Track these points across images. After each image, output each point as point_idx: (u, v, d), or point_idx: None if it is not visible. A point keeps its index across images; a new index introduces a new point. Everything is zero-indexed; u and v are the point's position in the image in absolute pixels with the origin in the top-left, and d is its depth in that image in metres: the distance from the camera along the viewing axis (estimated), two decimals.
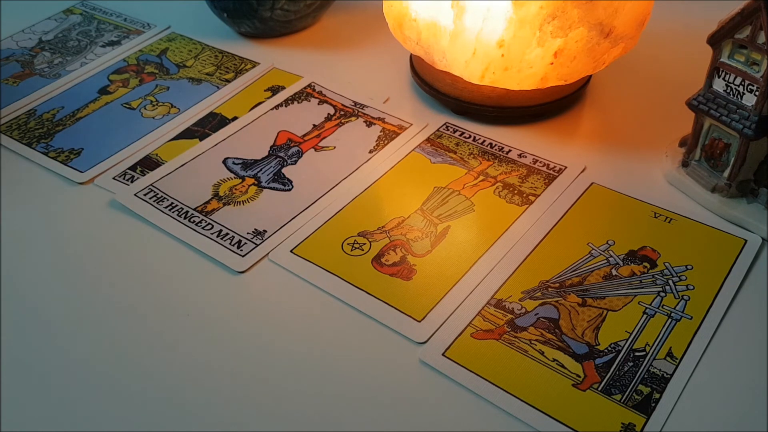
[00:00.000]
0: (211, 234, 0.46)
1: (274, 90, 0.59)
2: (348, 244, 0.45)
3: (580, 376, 0.37)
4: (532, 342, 0.39)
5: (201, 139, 0.54)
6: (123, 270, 0.44)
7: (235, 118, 0.56)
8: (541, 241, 0.45)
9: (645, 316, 0.40)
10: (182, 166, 0.51)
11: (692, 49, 0.52)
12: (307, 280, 0.43)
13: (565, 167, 0.50)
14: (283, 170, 0.51)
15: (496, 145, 0.52)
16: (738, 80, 0.43)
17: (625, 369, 0.37)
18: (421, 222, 0.46)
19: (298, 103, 0.57)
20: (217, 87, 0.59)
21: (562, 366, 0.38)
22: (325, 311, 0.41)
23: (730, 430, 0.35)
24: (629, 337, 0.39)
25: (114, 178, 0.50)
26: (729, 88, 0.44)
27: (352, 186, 0.49)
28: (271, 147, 0.53)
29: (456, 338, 0.39)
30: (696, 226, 0.46)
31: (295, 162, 0.51)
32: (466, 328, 0.40)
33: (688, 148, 0.48)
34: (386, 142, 0.53)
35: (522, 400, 0.36)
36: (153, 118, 0.56)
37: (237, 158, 0.52)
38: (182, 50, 0.64)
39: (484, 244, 0.45)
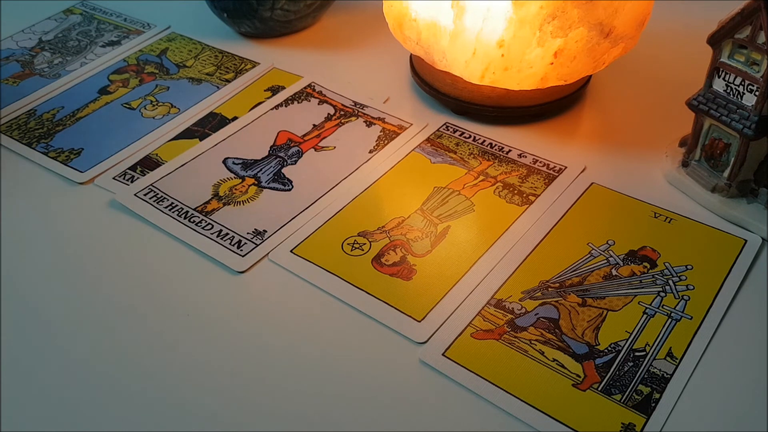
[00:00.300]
0: (211, 234, 0.46)
1: (274, 90, 0.59)
2: (348, 244, 0.45)
3: (580, 376, 0.37)
4: (532, 342, 0.39)
5: (201, 139, 0.54)
6: (123, 270, 0.44)
7: (235, 118, 0.56)
8: (541, 241, 0.45)
9: (645, 316, 0.40)
10: (182, 166, 0.51)
11: (692, 49, 0.52)
12: (307, 280, 0.43)
13: (565, 167, 0.50)
14: (283, 170, 0.51)
15: (496, 145, 0.52)
16: (738, 80, 0.43)
17: (625, 369, 0.37)
18: (421, 222, 0.46)
19: (298, 103, 0.57)
20: (217, 87, 0.59)
21: (562, 366, 0.38)
22: (325, 311, 0.41)
23: (730, 430, 0.35)
24: (629, 337, 0.39)
25: (114, 178, 0.50)
26: (729, 88, 0.44)
27: (352, 186, 0.49)
28: (271, 147, 0.53)
29: (456, 338, 0.39)
30: (696, 226, 0.45)
31: (295, 162, 0.51)
32: (466, 328, 0.40)
33: (688, 148, 0.48)
34: (386, 142, 0.53)
35: (522, 400, 0.36)
36: (153, 118, 0.56)
37: (237, 158, 0.52)
38: (182, 50, 0.64)
39: (484, 244, 0.45)
